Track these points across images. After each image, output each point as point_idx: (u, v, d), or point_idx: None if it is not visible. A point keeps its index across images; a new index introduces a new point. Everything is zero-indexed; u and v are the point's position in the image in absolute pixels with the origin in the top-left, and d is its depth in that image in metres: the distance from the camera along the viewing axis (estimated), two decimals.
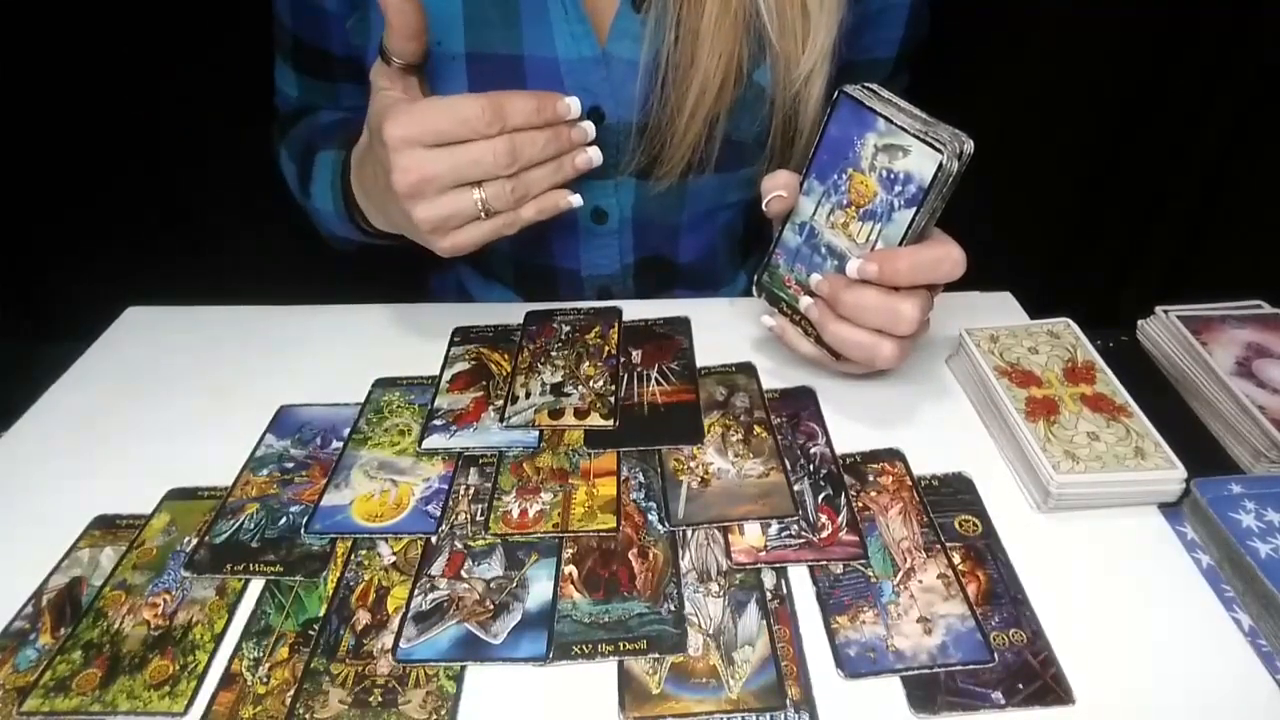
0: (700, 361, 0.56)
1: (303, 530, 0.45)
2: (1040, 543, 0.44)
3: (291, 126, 0.67)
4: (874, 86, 0.47)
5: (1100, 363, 0.52)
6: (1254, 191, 0.88)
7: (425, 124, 0.46)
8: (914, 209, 0.45)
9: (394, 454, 0.50)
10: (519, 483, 0.47)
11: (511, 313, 0.61)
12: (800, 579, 0.42)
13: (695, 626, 0.40)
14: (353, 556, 0.44)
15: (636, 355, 0.57)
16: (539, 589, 0.42)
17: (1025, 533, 0.45)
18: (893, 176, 0.46)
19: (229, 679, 0.38)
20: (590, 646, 0.39)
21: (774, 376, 0.55)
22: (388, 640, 0.40)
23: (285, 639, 0.40)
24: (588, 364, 0.56)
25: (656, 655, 0.39)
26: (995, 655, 0.38)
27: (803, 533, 0.44)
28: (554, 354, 0.57)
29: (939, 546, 0.44)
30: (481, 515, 0.46)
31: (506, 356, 0.57)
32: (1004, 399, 0.49)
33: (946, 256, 0.46)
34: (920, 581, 0.42)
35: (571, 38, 0.57)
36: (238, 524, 0.46)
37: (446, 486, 0.47)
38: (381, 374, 0.56)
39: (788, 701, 0.37)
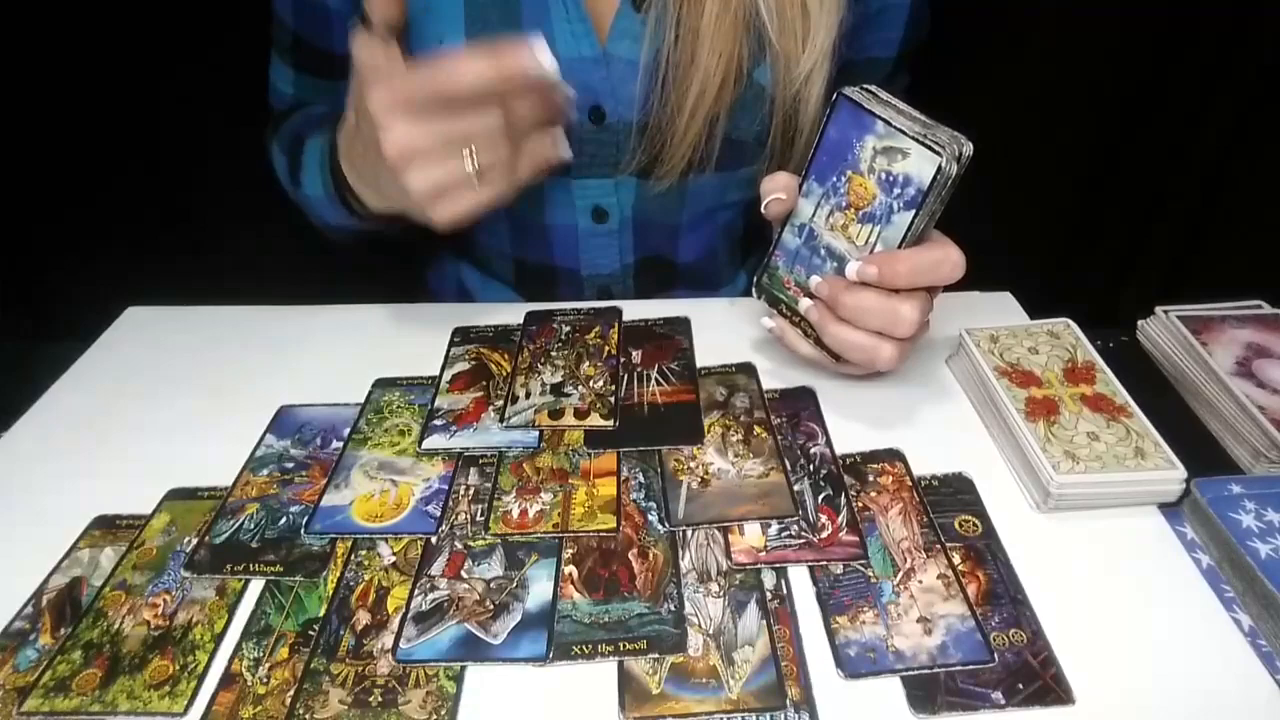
0: (700, 362, 0.56)
1: (303, 530, 0.45)
2: (1040, 543, 0.44)
3: (284, 122, 0.67)
4: (873, 88, 0.47)
5: (1100, 363, 0.52)
6: (1254, 191, 0.88)
7: (409, 89, 0.45)
8: (913, 211, 0.45)
9: (394, 454, 0.50)
10: (519, 483, 0.47)
11: (511, 313, 0.61)
12: (800, 579, 0.42)
13: (695, 626, 0.40)
14: (353, 557, 0.44)
15: (636, 355, 0.57)
16: (539, 589, 0.42)
17: (1025, 533, 0.45)
18: (892, 179, 0.46)
19: (229, 679, 0.38)
20: (590, 646, 0.39)
21: (774, 377, 0.55)
22: (388, 640, 0.40)
23: (285, 639, 0.40)
24: (588, 364, 0.56)
25: (656, 655, 0.39)
26: (995, 655, 0.38)
27: (803, 533, 0.44)
28: (554, 354, 0.57)
29: (939, 546, 0.44)
30: (481, 515, 0.46)
31: (506, 356, 0.57)
32: (1004, 399, 0.49)
33: (946, 259, 0.46)
34: (920, 581, 0.42)
35: (572, 37, 0.57)
36: (238, 524, 0.46)
37: (446, 487, 0.47)
38: (381, 374, 0.56)
39: (788, 702, 0.37)
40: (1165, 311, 0.57)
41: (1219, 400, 0.51)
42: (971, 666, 0.38)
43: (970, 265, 0.47)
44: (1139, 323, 0.59)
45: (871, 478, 0.48)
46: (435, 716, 0.37)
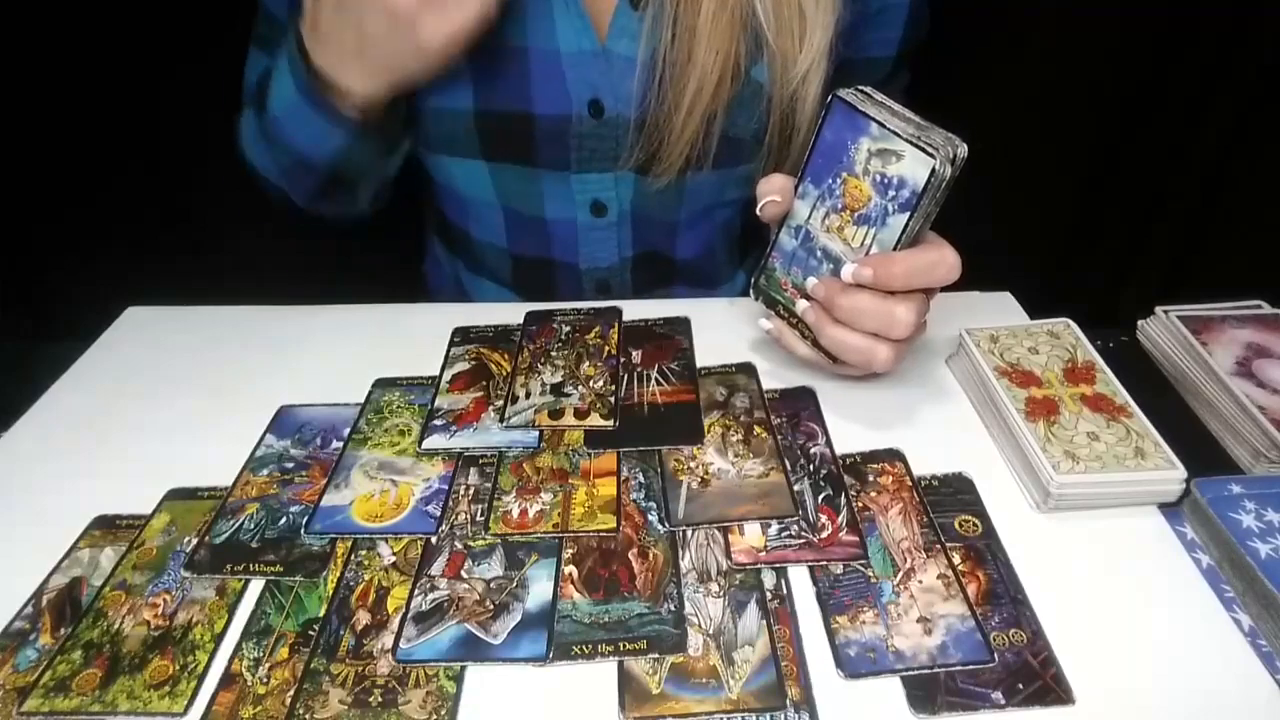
0: (700, 362, 0.56)
1: (303, 530, 0.45)
2: (1040, 543, 0.44)
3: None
4: (868, 90, 0.48)
5: (1100, 363, 0.52)
6: (1254, 191, 0.88)
7: None
8: (908, 214, 0.45)
9: (394, 454, 0.50)
10: (519, 483, 0.47)
11: (511, 313, 0.61)
12: (800, 579, 0.42)
13: (695, 626, 0.40)
14: (353, 557, 0.44)
15: (636, 355, 0.57)
16: (539, 589, 0.42)
17: (1025, 533, 0.45)
18: (886, 181, 0.46)
19: (229, 679, 0.38)
20: (590, 646, 0.39)
21: (774, 377, 0.55)
22: (388, 640, 0.40)
23: (285, 639, 0.40)
24: (588, 364, 0.56)
25: (656, 655, 0.39)
26: (995, 655, 0.38)
27: (803, 533, 0.44)
28: (554, 354, 0.57)
29: (939, 546, 0.44)
30: (481, 515, 0.46)
31: (506, 356, 0.57)
32: (1004, 399, 0.49)
33: (941, 261, 0.46)
34: (920, 581, 0.42)
35: (573, 32, 0.57)
36: (238, 524, 0.46)
37: (446, 487, 0.47)
38: (381, 374, 0.56)
39: (788, 702, 0.37)
40: (1165, 311, 0.57)
41: (1219, 400, 0.51)
42: (971, 666, 0.38)
43: (970, 265, 0.47)
44: (1139, 323, 0.59)
45: (871, 478, 0.48)
46: (435, 716, 0.37)
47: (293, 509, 0.46)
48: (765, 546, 0.44)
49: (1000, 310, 0.62)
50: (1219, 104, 0.85)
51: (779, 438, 0.50)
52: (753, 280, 0.55)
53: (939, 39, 0.68)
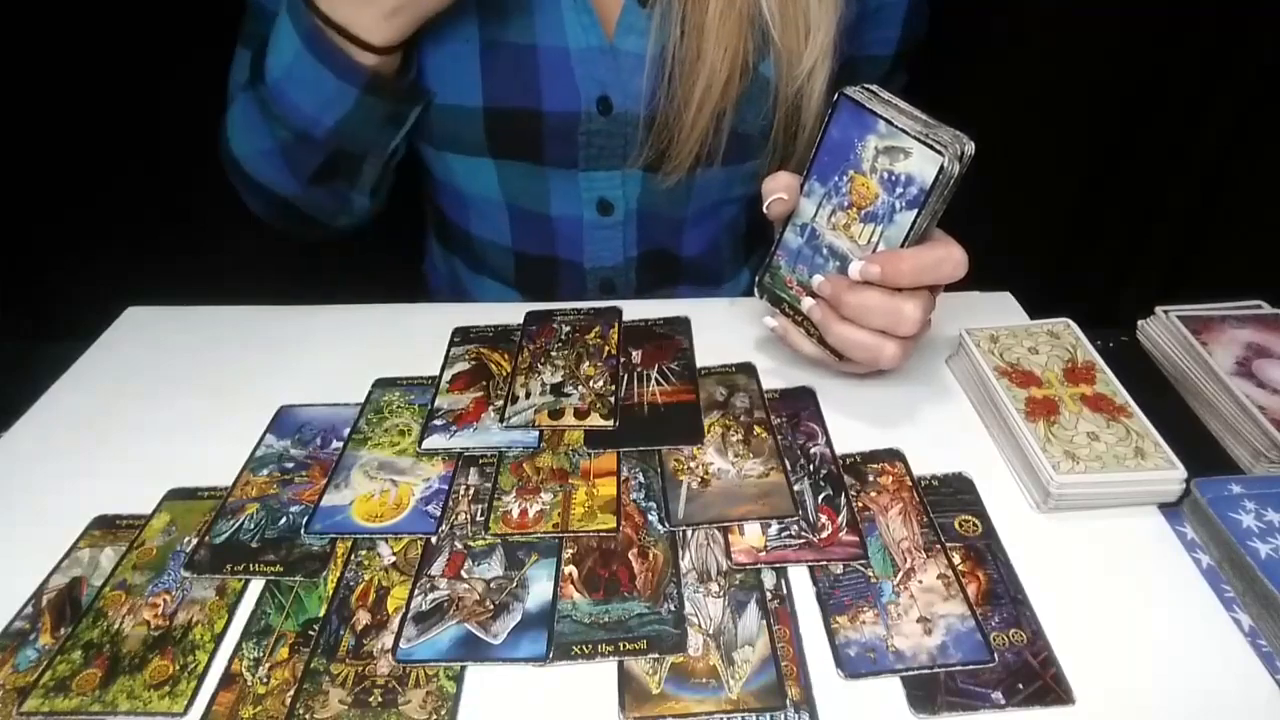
0: (700, 361, 0.56)
1: (303, 530, 0.45)
2: (1040, 543, 0.44)
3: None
4: (874, 88, 0.48)
5: (1100, 363, 0.52)
6: (1254, 191, 0.88)
7: None
8: (915, 211, 0.45)
9: (394, 454, 0.50)
10: (519, 483, 0.47)
11: (511, 313, 0.61)
12: (800, 579, 0.42)
13: (695, 626, 0.40)
14: (353, 557, 0.44)
15: (636, 355, 0.57)
16: (539, 589, 0.42)
17: (1025, 533, 0.45)
18: (894, 178, 0.46)
19: (229, 679, 0.38)
20: (590, 646, 0.39)
21: (774, 376, 0.55)
22: (388, 640, 0.40)
23: (285, 639, 0.40)
24: (588, 364, 0.56)
25: (656, 655, 0.39)
26: (995, 655, 0.38)
27: (803, 533, 0.44)
28: (554, 354, 0.57)
29: (939, 546, 0.44)
30: (481, 515, 0.46)
31: (506, 356, 0.57)
32: (1004, 399, 0.49)
33: (948, 257, 0.46)
34: (920, 581, 0.42)
35: (581, 29, 0.57)
36: (238, 524, 0.46)
37: (446, 487, 0.47)
38: (381, 374, 0.56)
39: (788, 702, 0.37)
40: (1165, 311, 0.57)
41: (1219, 400, 0.51)
42: (971, 666, 0.38)
43: (970, 265, 0.47)
44: (1139, 323, 0.59)
45: (871, 478, 0.48)
46: (435, 716, 0.37)
47: (293, 509, 0.46)
48: (765, 546, 0.44)
49: (1000, 310, 0.62)
50: (1219, 104, 0.85)
51: (779, 438, 0.50)
52: (758, 278, 0.55)
53: (938, 38, 0.68)
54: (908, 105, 0.46)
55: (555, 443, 0.50)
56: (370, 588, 0.42)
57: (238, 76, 0.64)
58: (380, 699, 0.37)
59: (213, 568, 0.43)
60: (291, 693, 0.38)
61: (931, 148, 0.44)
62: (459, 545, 0.44)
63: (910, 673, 0.38)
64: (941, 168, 0.43)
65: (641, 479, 0.48)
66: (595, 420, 0.51)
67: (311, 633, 0.40)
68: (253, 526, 0.45)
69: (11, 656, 0.40)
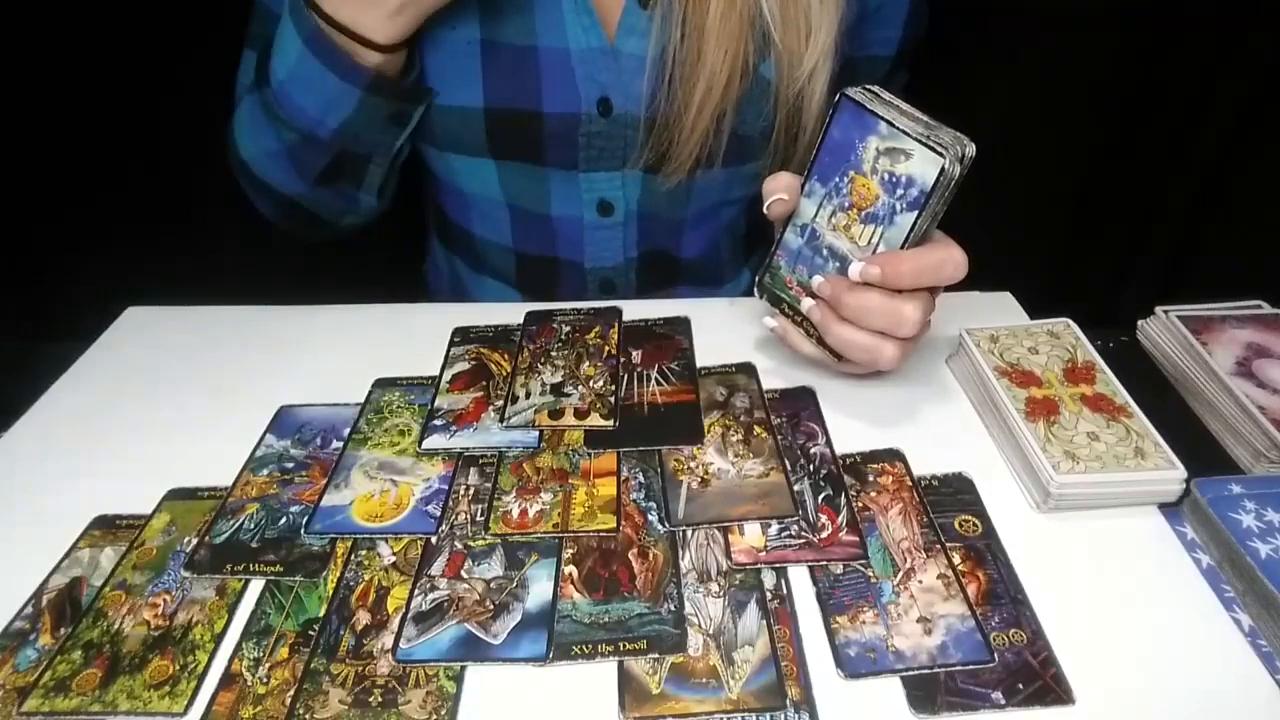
0: (700, 361, 0.56)
1: (303, 530, 0.45)
2: (1040, 543, 0.44)
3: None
4: (875, 89, 0.48)
5: (1100, 363, 0.52)
6: (1254, 191, 0.88)
7: None
8: (916, 212, 0.45)
9: (394, 454, 0.50)
10: (519, 483, 0.47)
11: (511, 313, 0.61)
12: (800, 579, 0.42)
13: (695, 626, 0.40)
14: (353, 557, 0.44)
15: (636, 355, 0.57)
16: (539, 589, 0.42)
17: (1025, 533, 0.45)
18: (895, 180, 0.46)
19: (229, 679, 0.38)
20: (590, 646, 0.39)
21: (774, 376, 0.55)
22: (388, 640, 0.40)
23: (285, 639, 0.40)
24: (588, 364, 0.56)
25: (656, 655, 0.39)
26: (995, 655, 0.38)
27: (803, 533, 0.44)
28: (554, 354, 0.57)
29: (939, 546, 0.44)
30: (481, 515, 0.46)
31: (506, 356, 0.57)
32: (1004, 399, 0.49)
33: (949, 259, 0.46)
34: (920, 581, 0.42)
35: (581, 30, 0.57)
36: (238, 524, 0.46)
37: (446, 486, 0.47)
38: (381, 374, 0.56)
39: (788, 702, 0.37)
40: (1165, 311, 0.57)
41: (1219, 400, 0.51)
42: (971, 666, 0.38)
43: (970, 265, 0.47)
44: (1139, 323, 0.59)
45: (871, 478, 0.48)
46: (435, 716, 0.37)
47: (293, 509, 0.46)
48: (765, 546, 0.44)
49: (1000, 310, 0.62)
50: (1219, 104, 0.85)
51: (779, 438, 0.50)
52: (758, 278, 0.55)
53: (939, 39, 0.68)
54: (909, 106, 0.46)
55: (555, 443, 0.50)
56: (370, 588, 0.42)
57: (244, 78, 0.64)
58: (380, 699, 0.37)
59: (213, 568, 0.43)
60: (291, 693, 0.38)
61: (933, 149, 0.44)
62: (459, 545, 0.44)
63: (910, 673, 0.38)
64: (942, 169, 0.43)
65: (641, 479, 0.48)
66: (595, 420, 0.51)
67: (311, 633, 0.40)
68: (253, 526, 0.45)
69: (11, 656, 0.40)
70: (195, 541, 0.45)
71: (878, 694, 0.37)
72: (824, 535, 0.44)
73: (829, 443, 0.50)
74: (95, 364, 0.58)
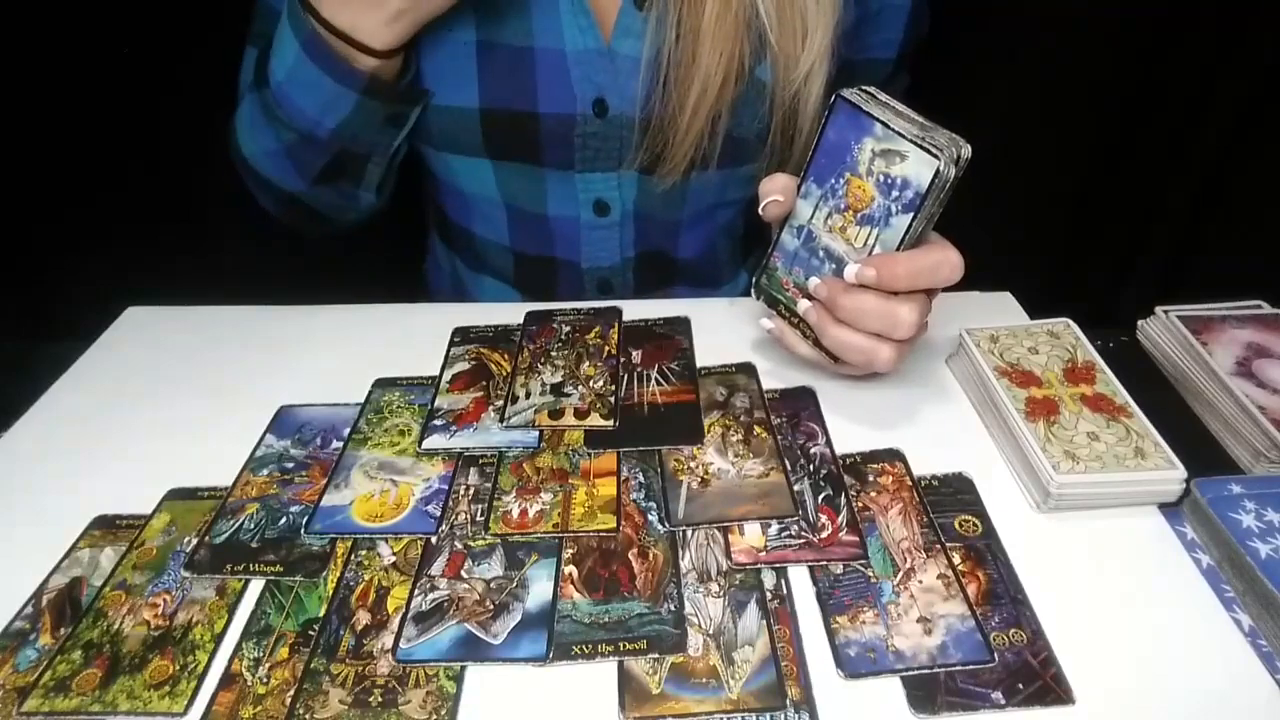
0: (700, 362, 0.56)
1: (303, 530, 0.45)
2: (1040, 543, 0.44)
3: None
4: (872, 90, 0.47)
5: (1100, 363, 0.52)
6: (1254, 191, 0.88)
7: None
8: (911, 214, 0.45)
9: (394, 454, 0.50)
10: (519, 483, 0.47)
11: (511, 313, 0.61)
12: (800, 579, 0.42)
13: (695, 626, 0.40)
14: (353, 557, 0.44)
15: (636, 355, 0.57)
16: (539, 589, 0.42)
17: (1025, 533, 0.45)
18: (890, 182, 0.46)
19: (229, 679, 0.38)
20: (590, 646, 0.39)
21: (774, 377, 0.55)
22: (388, 640, 0.40)
23: (285, 639, 0.40)
24: (588, 364, 0.56)
25: (656, 655, 0.39)
26: (995, 655, 0.38)
27: (803, 533, 0.44)
28: (554, 354, 0.57)
29: (939, 546, 0.44)
30: (481, 515, 0.46)
31: (506, 356, 0.57)
32: (1004, 399, 0.49)
33: (945, 261, 0.46)
34: (920, 581, 0.42)
35: (578, 31, 0.57)
36: (238, 524, 0.46)
37: (446, 486, 0.47)
38: (381, 374, 0.56)
39: (788, 702, 0.37)
40: (1165, 311, 0.57)
41: (1219, 400, 0.51)
42: (971, 666, 0.38)
43: (970, 265, 0.47)
44: (1139, 323, 0.59)
45: (871, 478, 0.48)
46: (435, 716, 0.37)
47: (293, 509, 0.46)
48: (765, 546, 0.44)
49: (1000, 310, 0.62)
50: (1219, 104, 0.85)
51: (779, 438, 0.50)
52: (754, 280, 0.55)
53: (939, 39, 0.68)
54: (905, 108, 0.46)
55: (555, 443, 0.50)
56: (370, 588, 0.42)
57: (245, 76, 0.65)
58: (380, 699, 0.37)
59: (213, 568, 0.43)
60: (291, 693, 0.38)
61: (928, 151, 0.44)
62: (459, 545, 0.44)
63: (910, 673, 0.38)
64: (937, 171, 0.43)
65: (641, 479, 0.48)
66: (595, 420, 0.51)
67: (311, 633, 0.40)
68: (253, 526, 0.45)
69: (11, 656, 0.40)
70: (195, 541, 0.45)
71: (878, 694, 0.37)
72: (824, 535, 0.44)
73: (829, 443, 0.50)
74: (95, 364, 0.58)
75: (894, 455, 0.49)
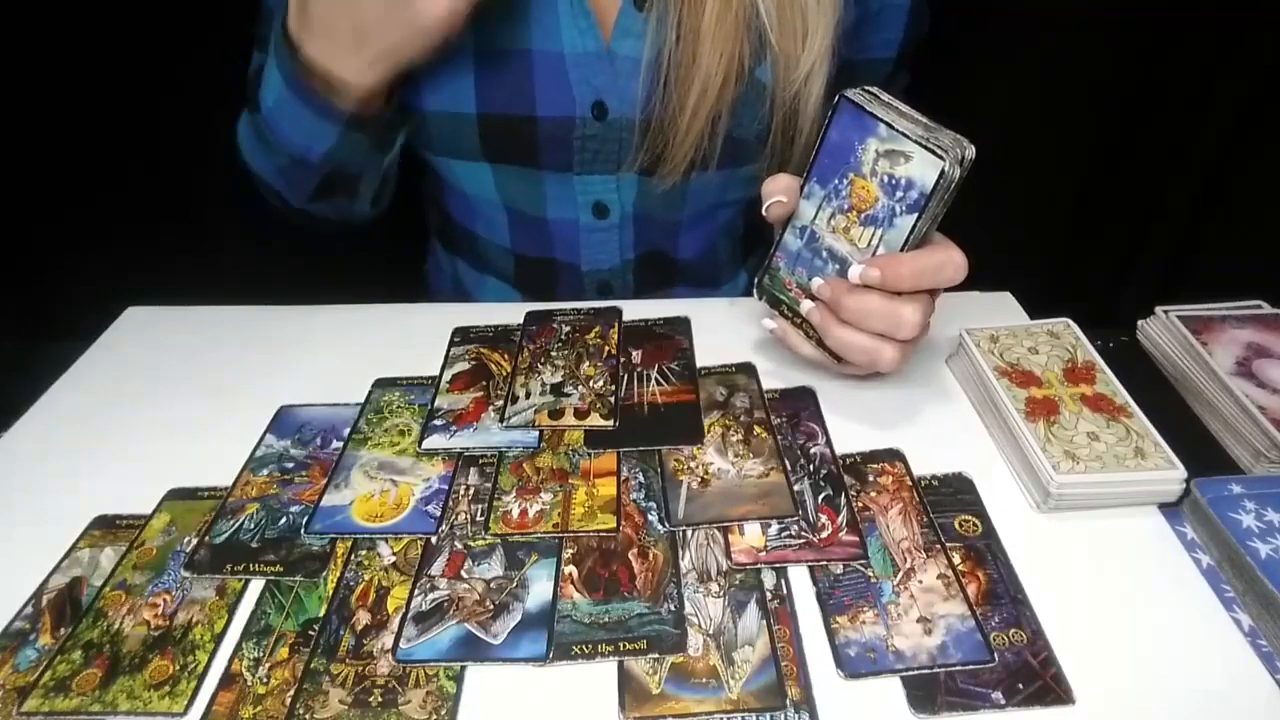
0: (700, 362, 0.56)
1: (303, 530, 0.45)
2: (1040, 543, 0.44)
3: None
4: (875, 90, 0.47)
5: (1100, 363, 0.52)
6: (1254, 191, 0.88)
7: None
8: (916, 215, 0.45)
9: (394, 454, 0.50)
10: (519, 483, 0.47)
11: (511, 313, 0.61)
12: (800, 579, 0.42)
13: (695, 626, 0.40)
14: (353, 556, 0.44)
15: (636, 355, 0.57)
16: (539, 589, 0.42)
17: (1025, 533, 0.45)
18: (894, 182, 0.46)
19: (229, 679, 0.38)
20: (590, 646, 0.39)
21: (774, 377, 0.55)
22: (388, 640, 0.40)
23: (285, 639, 0.40)
24: (588, 364, 0.56)
25: (656, 655, 0.39)
26: (995, 655, 0.38)
27: (803, 533, 0.44)
28: (554, 354, 0.57)
29: (939, 546, 0.44)
30: (481, 515, 0.46)
31: (506, 356, 0.57)
32: (1004, 399, 0.49)
33: (948, 261, 0.46)
34: (920, 581, 0.42)
35: (577, 33, 0.57)
36: (238, 524, 0.46)
37: (446, 486, 0.47)
38: (381, 374, 0.56)
39: (788, 702, 0.37)
40: (1165, 311, 0.57)
41: (1219, 400, 0.51)
42: (971, 666, 0.38)
43: (970, 265, 0.47)
44: (1139, 323, 0.59)
45: (871, 478, 0.48)
46: (435, 716, 0.37)
47: (293, 509, 0.46)
48: (765, 546, 0.44)
49: (1000, 310, 0.62)
50: (1219, 104, 0.85)
51: (779, 438, 0.50)
52: (756, 280, 0.55)
53: (939, 39, 0.68)
54: (908, 108, 0.46)
55: (555, 443, 0.50)
56: (370, 588, 0.42)
57: (252, 80, 0.65)
58: (380, 699, 0.37)
59: (213, 568, 0.43)
60: (291, 693, 0.38)
61: (932, 152, 0.43)
62: (459, 545, 0.44)
63: (910, 673, 0.38)
64: (942, 172, 0.43)
65: (641, 479, 0.48)
66: (595, 420, 0.51)
67: (311, 633, 0.40)
68: (253, 526, 0.45)
69: (11, 656, 0.40)
70: (195, 541, 0.45)
71: (878, 694, 0.37)
72: (824, 535, 0.44)
73: (829, 443, 0.50)
74: (95, 364, 0.58)
75: (894, 455, 0.49)
